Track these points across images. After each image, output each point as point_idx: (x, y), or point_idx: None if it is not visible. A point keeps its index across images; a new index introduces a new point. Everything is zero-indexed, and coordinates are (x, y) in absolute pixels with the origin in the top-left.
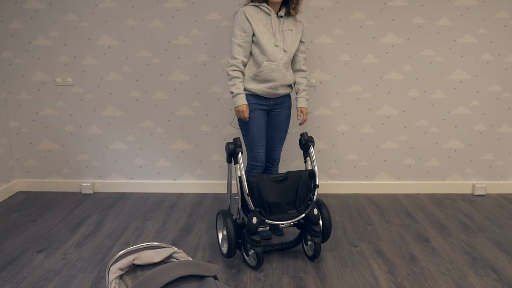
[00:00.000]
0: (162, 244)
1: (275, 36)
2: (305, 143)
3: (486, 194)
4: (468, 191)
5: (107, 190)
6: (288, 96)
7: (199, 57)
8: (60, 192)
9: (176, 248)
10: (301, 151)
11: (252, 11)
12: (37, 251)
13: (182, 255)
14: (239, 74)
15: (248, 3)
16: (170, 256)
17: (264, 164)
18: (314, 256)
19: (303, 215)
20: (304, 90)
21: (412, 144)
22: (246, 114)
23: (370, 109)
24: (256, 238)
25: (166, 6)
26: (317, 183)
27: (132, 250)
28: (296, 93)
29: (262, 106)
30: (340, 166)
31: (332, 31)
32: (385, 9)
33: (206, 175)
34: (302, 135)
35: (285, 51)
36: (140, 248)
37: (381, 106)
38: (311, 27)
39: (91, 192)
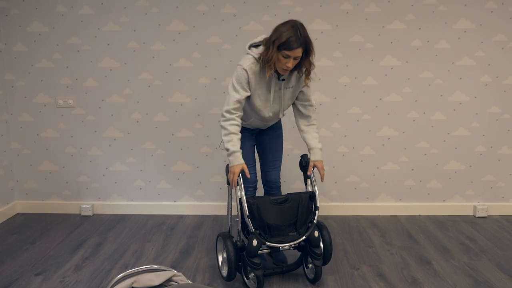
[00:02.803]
0: (162, 267)
1: (272, 99)
2: (305, 165)
3: (488, 216)
4: (470, 212)
5: (106, 212)
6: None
7: (200, 80)
8: (59, 214)
9: (175, 271)
10: (302, 173)
11: (256, 70)
12: (35, 274)
13: (181, 278)
14: (237, 130)
15: (253, 55)
16: (169, 279)
17: (255, 185)
18: (315, 279)
19: (304, 237)
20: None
21: (413, 166)
22: (236, 177)
23: (370, 130)
24: (257, 260)
25: (167, 29)
26: (318, 205)
27: (131, 273)
28: (308, 145)
29: (249, 131)
30: (341, 188)
31: (331, 53)
32: (384, 32)
33: (206, 196)
34: (302, 157)
35: (276, 114)
36: (139, 271)
37: (381, 128)
38: None
39: (91, 214)
